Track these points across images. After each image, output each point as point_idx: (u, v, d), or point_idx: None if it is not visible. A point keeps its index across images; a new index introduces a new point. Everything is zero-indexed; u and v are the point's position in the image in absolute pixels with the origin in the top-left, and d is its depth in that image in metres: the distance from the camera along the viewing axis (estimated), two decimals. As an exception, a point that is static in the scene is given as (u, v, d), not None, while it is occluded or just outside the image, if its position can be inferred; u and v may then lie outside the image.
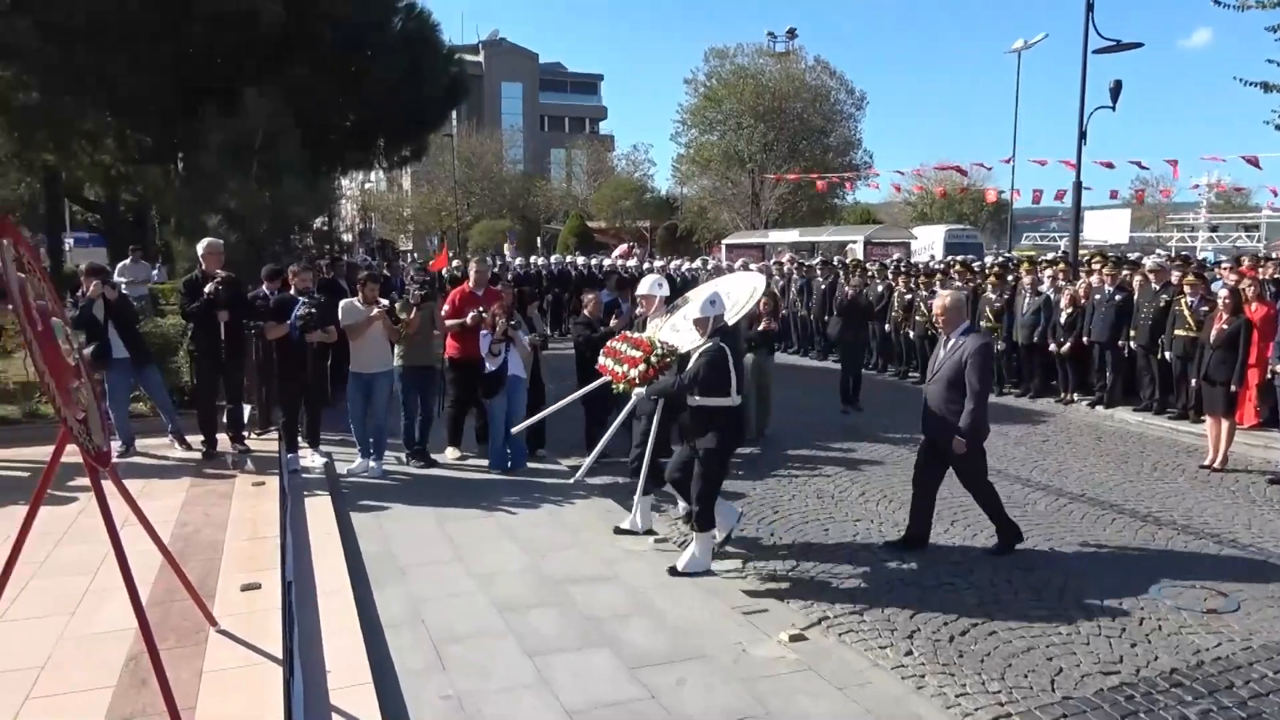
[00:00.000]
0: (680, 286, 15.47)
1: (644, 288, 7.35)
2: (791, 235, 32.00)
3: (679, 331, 6.46)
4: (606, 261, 23.69)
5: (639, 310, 7.81)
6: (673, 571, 5.69)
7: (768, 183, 40.31)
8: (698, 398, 5.70)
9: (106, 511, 3.34)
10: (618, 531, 6.48)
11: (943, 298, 6.40)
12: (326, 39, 11.82)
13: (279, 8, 10.60)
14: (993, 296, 13.01)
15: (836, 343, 13.77)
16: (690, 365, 5.79)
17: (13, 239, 3.19)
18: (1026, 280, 12.81)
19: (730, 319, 6.12)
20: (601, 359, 6.55)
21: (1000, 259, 20.53)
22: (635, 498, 6.59)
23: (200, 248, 8.03)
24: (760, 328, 9.79)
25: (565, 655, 4.56)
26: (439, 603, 5.18)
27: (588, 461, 6.55)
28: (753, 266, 23.97)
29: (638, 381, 6.08)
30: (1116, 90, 15.17)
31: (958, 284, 13.74)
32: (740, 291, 6.68)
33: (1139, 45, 14.52)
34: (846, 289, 12.80)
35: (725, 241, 34.36)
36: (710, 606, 5.24)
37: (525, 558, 5.97)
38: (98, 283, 7.65)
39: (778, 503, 7.50)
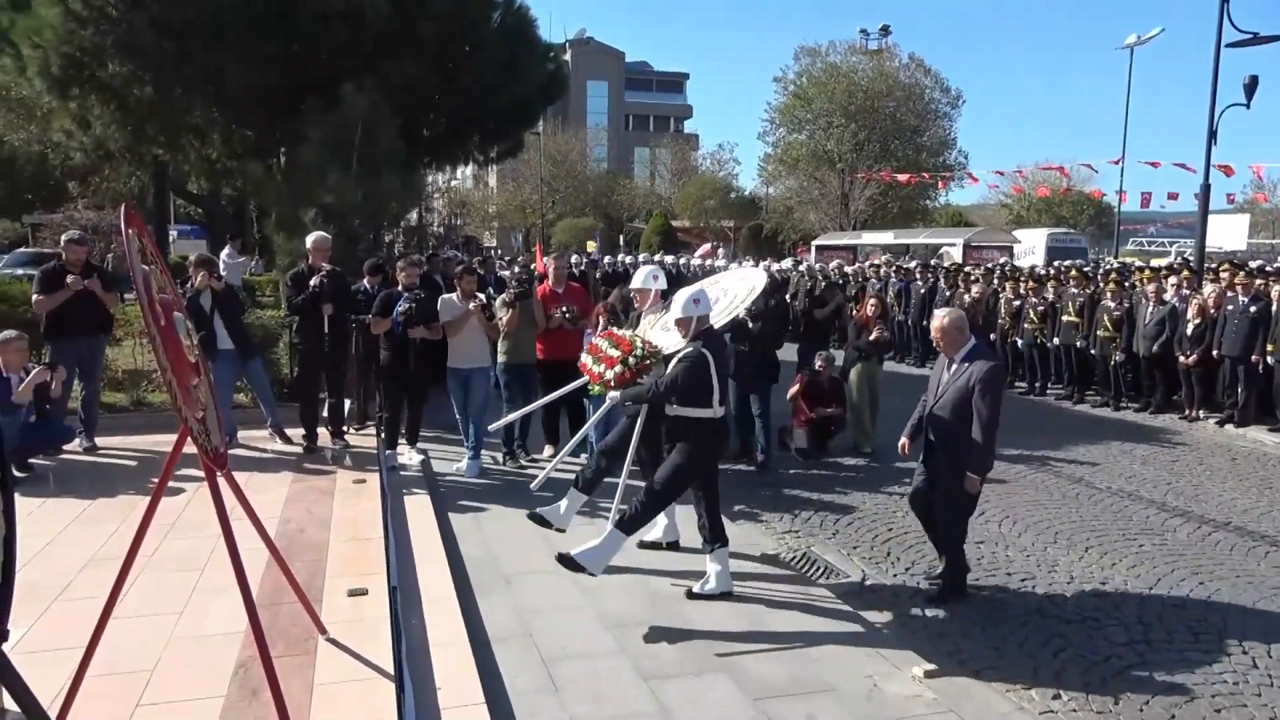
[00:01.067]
0: (676, 280, 15.06)
1: (638, 281, 6.66)
2: (885, 237, 31.14)
3: (670, 331, 5.81)
4: (695, 261, 23.39)
5: (635, 306, 7.10)
6: (690, 595, 5.23)
7: (857, 183, 39.41)
8: (675, 407, 5.20)
9: (223, 514, 3.19)
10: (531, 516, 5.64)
11: (941, 316, 5.52)
12: (427, 35, 11.80)
13: (386, 4, 10.59)
14: (1111, 304, 12.24)
15: None
16: (668, 370, 5.24)
17: (138, 230, 3.06)
18: (1150, 288, 12.03)
19: (720, 319, 5.63)
20: (583, 356, 5.88)
21: (1114, 265, 19.49)
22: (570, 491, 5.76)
23: (308, 241, 8.03)
24: (871, 336, 9.30)
25: (683, 681, 4.27)
26: (547, 616, 4.95)
27: (545, 471, 6.07)
28: (775, 265, 23.42)
29: (613, 384, 5.48)
30: (1252, 86, 14.18)
31: (1074, 291, 13.01)
32: (738, 289, 6.10)
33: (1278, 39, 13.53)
34: (965, 295, 11.76)
35: (815, 242, 33.69)
36: (831, 631, 4.90)
37: (632, 569, 5.70)
38: (205, 274, 7.68)
39: (891, 519, 7.09)
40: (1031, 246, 27.52)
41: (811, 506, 7.40)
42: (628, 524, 5.12)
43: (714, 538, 5.35)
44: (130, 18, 10.23)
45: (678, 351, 5.33)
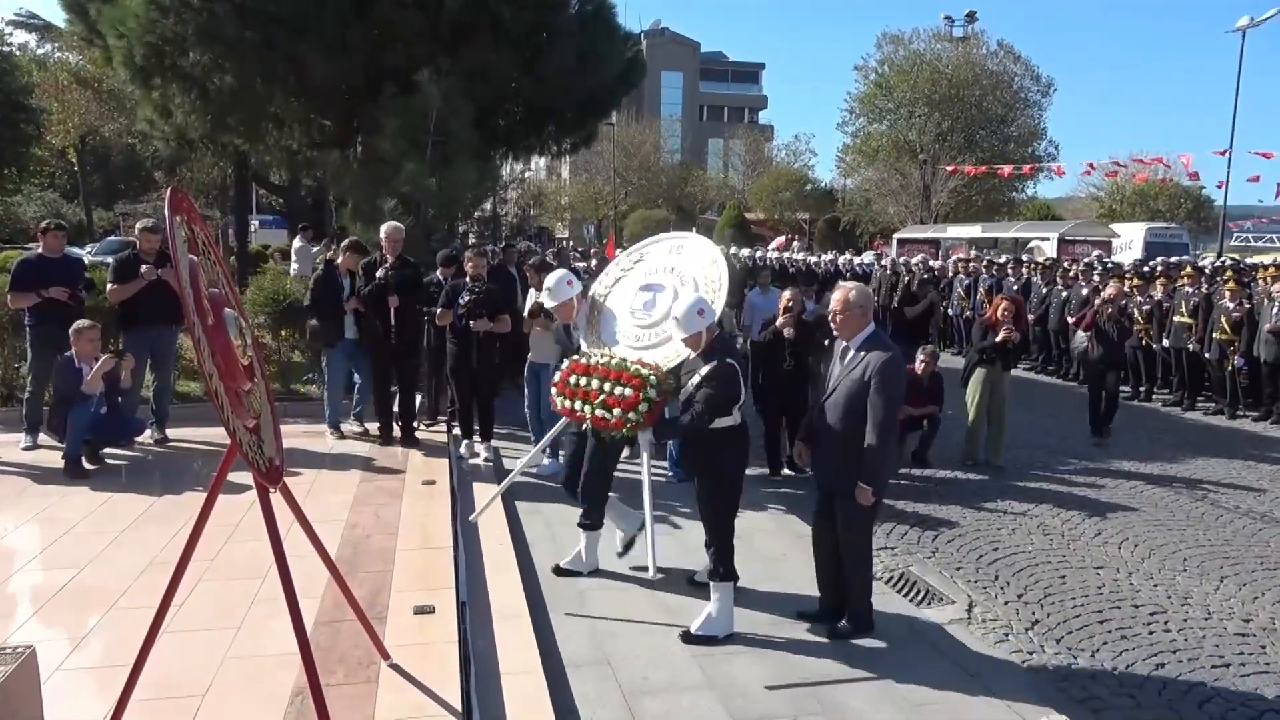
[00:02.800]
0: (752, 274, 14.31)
1: (552, 295, 5.47)
2: (972, 230, 29.88)
3: (646, 342, 5.10)
4: (772, 254, 22.75)
5: (555, 322, 6.04)
6: (686, 638, 4.56)
7: (939, 175, 38.08)
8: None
9: (275, 538, 2.87)
10: (557, 572, 5.37)
11: (843, 289, 4.60)
12: (505, 21, 11.51)
13: (466, -10, 10.35)
14: (1230, 305, 11.31)
15: (1084, 360, 10.71)
16: (696, 391, 4.52)
17: (186, 215, 2.74)
18: (1275, 288, 11.06)
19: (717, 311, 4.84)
20: (562, 401, 5.01)
21: (1221, 262, 18.23)
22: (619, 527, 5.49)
23: (381, 232, 7.81)
24: (998, 337, 8.37)
25: (778, 724, 3.83)
26: (625, 639, 4.56)
27: (502, 485, 5.63)
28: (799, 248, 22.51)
29: (641, 425, 4.74)
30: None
31: (1188, 290, 12.07)
32: (700, 270, 5.22)
33: None
34: (1103, 294, 10.14)
35: (897, 236, 32.59)
36: (944, 670, 4.39)
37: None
38: (352, 255, 7.74)
39: (996, 538, 6.50)
40: (1129, 241, 26.09)
41: (907, 520, 6.86)
42: (722, 573, 4.69)
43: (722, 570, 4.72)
44: (212, 6, 10.18)
45: (687, 367, 4.76)
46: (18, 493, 6.01)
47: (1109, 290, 9.87)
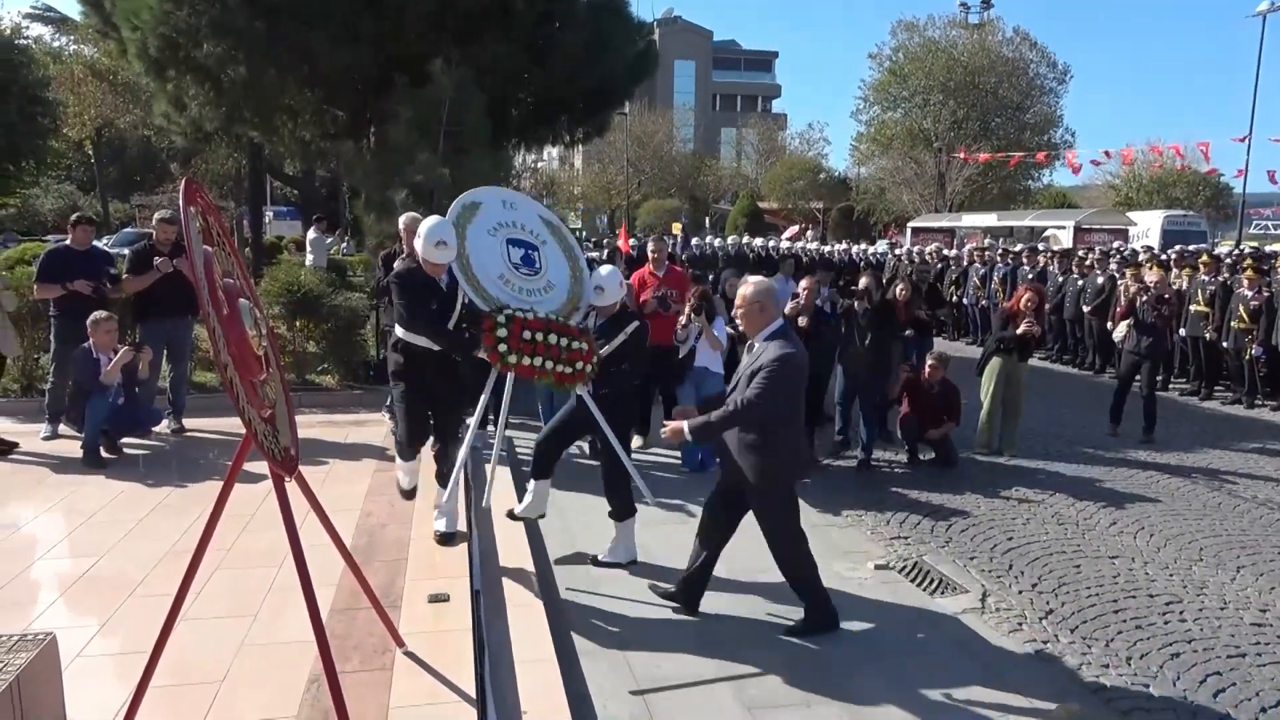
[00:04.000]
0: (765, 263, 14.26)
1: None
2: (988, 219, 29.67)
3: (536, 299, 5.08)
4: (784, 244, 22.69)
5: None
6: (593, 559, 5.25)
7: (954, 163, 37.82)
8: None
9: (291, 526, 2.89)
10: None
11: (745, 284, 4.50)
12: (517, 10, 11.49)
13: (478, -23, 10.33)
14: (1248, 293, 11.20)
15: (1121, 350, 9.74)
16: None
17: (200, 206, 2.75)
18: (1295, 275, 10.95)
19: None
20: (519, 358, 4.80)
21: (1240, 250, 18.05)
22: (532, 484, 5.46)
23: (400, 223, 7.82)
24: (1018, 329, 8.26)
25: (792, 713, 3.84)
26: (640, 630, 4.57)
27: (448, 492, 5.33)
28: (880, 245, 22.34)
29: (591, 374, 4.98)
30: None
31: (1204, 278, 11.96)
32: (545, 228, 5.36)
33: None
34: (1145, 281, 9.74)
35: (911, 224, 32.41)
36: (958, 660, 4.39)
37: (730, 580, 5.28)
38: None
39: (1010, 527, 6.48)
40: (1146, 229, 25.85)
41: (920, 510, 6.84)
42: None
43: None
44: (224, -3, 10.20)
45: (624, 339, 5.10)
46: (37, 481, 6.08)
47: (1152, 277, 9.65)
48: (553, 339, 4.83)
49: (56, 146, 35.07)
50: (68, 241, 7.48)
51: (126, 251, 8.66)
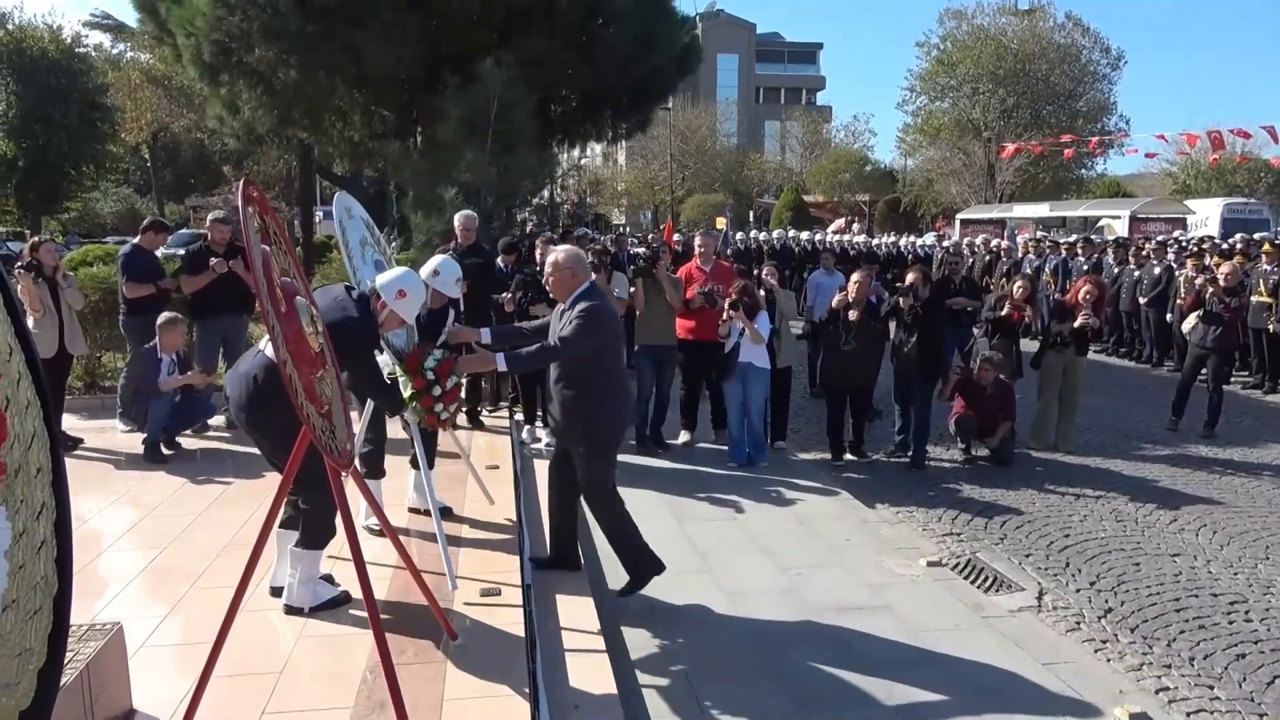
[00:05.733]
0: (811, 257, 14.02)
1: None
2: (1039, 209, 29.05)
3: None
4: (832, 236, 22.48)
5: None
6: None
7: (1004, 150, 37.09)
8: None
9: (348, 519, 2.94)
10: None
11: (552, 254, 4.56)
12: (561, 7, 11.53)
13: (524, -24, 10.40)
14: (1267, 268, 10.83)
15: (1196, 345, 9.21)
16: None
17: (258, 207, 2.81)
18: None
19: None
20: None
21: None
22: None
23: (456, 221, 7.93)
24: (1075, 322, 8.09)
25: (842, 711, 3.81)
26: (690, 626, 4.57)
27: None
28: (929, 238, 21.95)
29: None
30: None
31: (1266, 268, 11.58)
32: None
33: None
34: (1214, 270, 9.57)
35: (960, 216, 31.88)
36: (1014, 659, 4.31)
37: (777, 575, 5.26)
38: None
39: (1067, 524, 6.35)
40: (1205, 218, 25.10)
41: (973, 506, 6.74)
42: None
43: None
44: (275, 2, 10.37)
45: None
46: (102, 476, 6.25)
47: (1224, 269, 9.35)
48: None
49: (115, 151, 36.07)
50: (138, 241, 7.68)
51: (181, 252, 8.87)
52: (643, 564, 4.64)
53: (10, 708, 1.68)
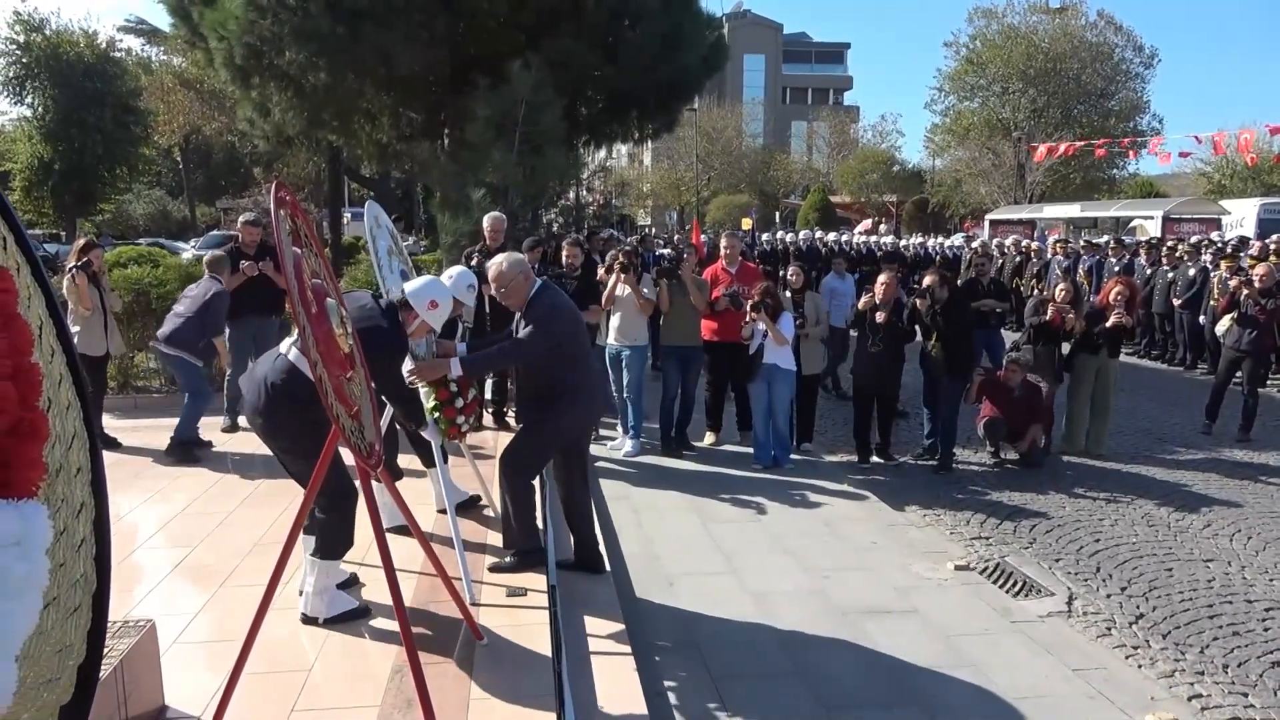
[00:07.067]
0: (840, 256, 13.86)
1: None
2: (1070, 210, 28.69)
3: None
4: (859, 237, 22.34)
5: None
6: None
7: (1035, 153, 36.68)
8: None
9: (376, 519, 2.97)
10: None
11: (495, 264, 4.59)
12: (588, 8, 11.56)
13: (552, -22, 10.45)
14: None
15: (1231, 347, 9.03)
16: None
17: (289, 209, 2.84)
18: None
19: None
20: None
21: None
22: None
23: (485, 222, 7.99)
24: (1109, 323, 7.95)
25: (869, 714, 3.79)
26: (715, 627, 4.57)
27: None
28: (957, 239, 21.72)
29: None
30: None
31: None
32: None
33: None
34: (1249, 271, 9.33)
35: (990, 217, 31.55)
36: (1043, 665, 4.27)
37: (803, 577, 5.24)
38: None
39: (1097, 528, 6.27)
40: (1240, 219, 24.64)
41: (1002, 510, 6.68)
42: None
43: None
44: (306, 4, 10.49)
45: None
46: (135, 475, 6.34)
47: (1259, 270, 9.19)
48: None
49: (147, 154, 36.64)
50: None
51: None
52: (527, 544, 4.57)
53: (52, 703, 1.72)
